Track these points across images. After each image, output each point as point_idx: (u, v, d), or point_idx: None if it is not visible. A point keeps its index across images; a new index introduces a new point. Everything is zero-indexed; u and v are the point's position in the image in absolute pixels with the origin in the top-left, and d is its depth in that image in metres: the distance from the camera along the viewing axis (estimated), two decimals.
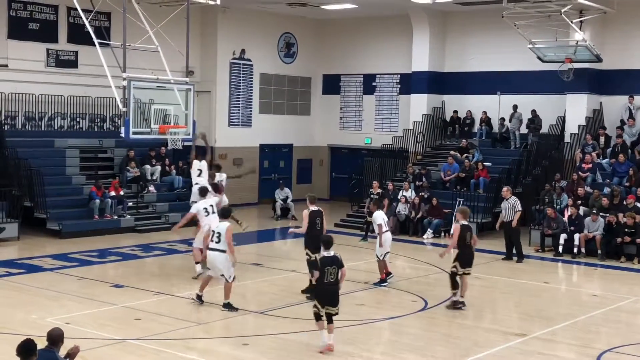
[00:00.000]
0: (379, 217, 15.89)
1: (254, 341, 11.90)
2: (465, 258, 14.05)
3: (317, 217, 14.57)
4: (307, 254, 14.54)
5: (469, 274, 14.17)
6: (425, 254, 20.43)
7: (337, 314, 11.32)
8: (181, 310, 13.67)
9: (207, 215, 15.98)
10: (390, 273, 16.19)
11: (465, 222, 14.21)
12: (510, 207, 19.49)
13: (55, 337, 7.61)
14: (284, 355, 11.24)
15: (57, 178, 22.64)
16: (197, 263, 16.20)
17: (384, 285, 15.94)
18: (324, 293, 11.20)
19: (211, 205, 16.12)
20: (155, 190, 23.75)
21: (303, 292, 14.77)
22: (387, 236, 15.98)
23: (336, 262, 11.26)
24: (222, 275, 13.49)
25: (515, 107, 26.01)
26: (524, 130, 25.92)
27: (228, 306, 13.54)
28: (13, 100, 23.15)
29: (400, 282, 16.48)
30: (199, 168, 17.69)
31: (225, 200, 17.27)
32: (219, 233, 13.39)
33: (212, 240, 13.49)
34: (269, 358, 11.08)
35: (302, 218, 14.77)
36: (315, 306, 11.23)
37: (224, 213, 14.00)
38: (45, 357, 7.38)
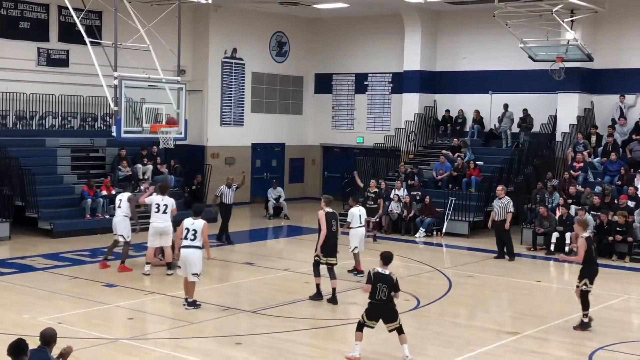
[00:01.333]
0: (350, 213, 16.62)
1: (246, 340, 11.89)
2: (593, 274, 12.97)
3: (333, 219, 14.36)
4: (317, 255, 14.37)
5: (589, 291, 13.04)
6: (417, 253, 20.47)
7: (399, 327, 10.87)
8: (173, 309, 13.64)
9: (156, 212, 16.18)
10: (362, 271, 16.38)
11: (588, 234, 13.04)
12: (503, 207, 19.53)
13: (48, 337, 7.59)
14: (276, 354, 11.23)
15: (48, 177, 22.57)
16: (147, 263, 16.39)
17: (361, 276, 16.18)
18: (374, 309, 10.83)
19: (165, 205, 16.18)
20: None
21: (311, 298, 14.49)
22: (354, 232, 16.45)
23: (388, 282, 10.79)
24: (194, 274, 13.36)
25: (506, 106, 26.05)
26: (515, 129, 25.96)
27: (193, 304, 13.52)
28: (4, 100, 23.07)
29: None
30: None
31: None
32: (194, 230, 13.33)
33: (186, 238, 13.36)
34: (261, 357, 11.07)
35: (314, 219, 14.73)
36: (362, 316, 10.92)
37: (198, 210, 13.77)
38: (38, 357, 7.36)
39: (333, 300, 14.16)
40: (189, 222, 13.50)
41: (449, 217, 23.17)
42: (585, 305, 12.84)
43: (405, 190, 23.95)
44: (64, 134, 24.37)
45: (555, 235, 20.32)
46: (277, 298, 14.62)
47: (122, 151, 23.93)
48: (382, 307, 10.80)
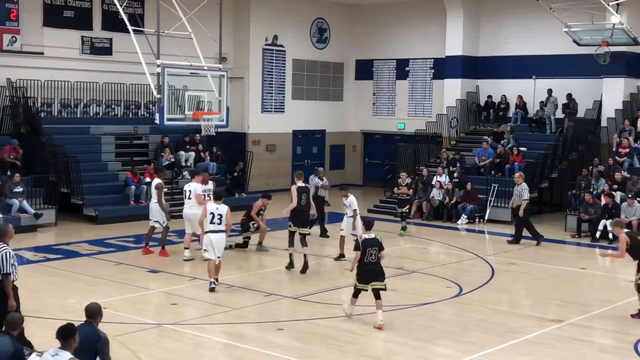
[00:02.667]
0: (355, 202, 16.74)
1: (288, 326, 11.96)
2: None
3: (303, 193, 15.64)
4: (289, 225, 15.67)
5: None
6: (459, 240, 20.32)
7: (385, 289, 11.89)
8: (216, 295, 13.75)
9: (188, 199, 16.72)
10: (343, 255, 16.80)
11: (627, 230, 13.11)
12: (518, 193, 19.47)
13: (93, 311, 7.90)
14: (318, 340, 11.27)
15: (93, 164, 22.89)
16: (186, 249, 16.65)
17: (344, 260, 16.43)
18: (366, 272, 11.84)
19: (209, 189, 16.69)
20: (189, 176, 23.84)
21: (286, 267, 15.78)
22: (359, 219, 16.44)
23: (376, 244, 11.89)
24: (219, 257, 13.84)
25: (550, 91, 25.68)
26: (559, 114, 25.61)
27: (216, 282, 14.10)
28: (49, 88, 23.40)
29: (434, 268, 16.44)
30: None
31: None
32: (220, 215, 13.68)
33: (212, 223, 13.69)
34: (302, 343, 11.12)
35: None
36: (355, 282, 11.92)
37: (219, 195, 14.30)
38: (85, 330, 7.57)
39: (304, 270, 15.36)
40: (212, 207, 13.83)
41: (492, 203, 22.98)
42: None
43: (447, 176, 23.80)
44: (108, 122, 24.68)
45: (602, 222, 19.99)
46: (318, 284, 14.65)
47: (165, 139, 24.13)
48: (372, 269, 11.85)
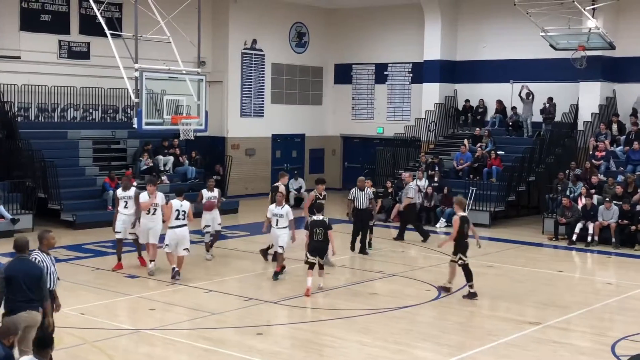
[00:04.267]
0: (291, 212, 15.58)
1: (267, 331, 11.94)
2: (463, 248, 14.09)
3: (272, 192, 16.76)
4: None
5: (467, 263, 14.15)
6: (438, 243, 20.37)
7: (322, 264, 14.23)
8: (195, 300, 13.71)
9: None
10: (280, 272, 15.58)
11: (464, 213, 14.28)
12: (405, 192, 20.59)
13: (23, 245, 8.98)
14: (298, 345, 11.27)
15: (70, 169, 22.73)
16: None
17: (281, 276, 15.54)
18: (314, 248, 13.98)
19: (215, 196, 17.32)
20: (168, 181, 23.79)
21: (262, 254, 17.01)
22: (275, 232, 15.43)
23: (323, 225, 13.94)
24: (186, 249, 14.98)
25: (527, 95, 25.86)
26: (536, 118, 25.76)
27: (178, 274, 15.00)
28: (26, 92, 23.23)
29: (413, 271, 16.48)
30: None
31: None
32: (184, 211, 14.92)
33: (178, 219, 14.85)
34: (282, 348, 11.11)
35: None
36: (306, 256, 14.02)
37: (180, 191, 15.30)
38: (26, 265, 8.85)
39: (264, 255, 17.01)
40: (177, 204, 14.92)
41: (470, 207, 23.03)
42: (469, 276, 14.03)
43: (427, 180, 23.85)
44: (86, 126, 24.54)
45: (579, 225, 20.14)
46: (298, 289, 14.61)
47: (148, 145, 24.01)
48: (318, 246, 13.97)
